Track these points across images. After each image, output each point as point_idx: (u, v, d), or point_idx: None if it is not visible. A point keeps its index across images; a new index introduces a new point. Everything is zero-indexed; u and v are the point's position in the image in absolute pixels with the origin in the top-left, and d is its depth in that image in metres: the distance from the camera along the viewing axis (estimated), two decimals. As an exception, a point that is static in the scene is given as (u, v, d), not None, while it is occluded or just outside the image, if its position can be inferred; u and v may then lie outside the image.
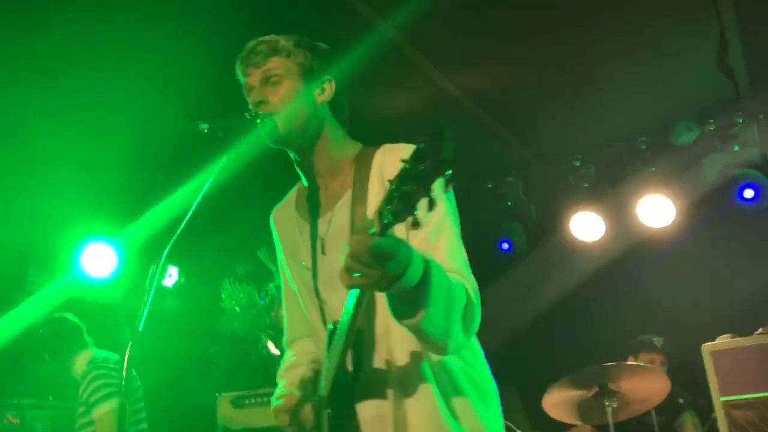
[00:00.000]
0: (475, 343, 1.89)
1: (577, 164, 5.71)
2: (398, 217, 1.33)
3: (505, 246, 5.95)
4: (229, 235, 5.40)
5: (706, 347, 3.48)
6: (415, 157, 1.27)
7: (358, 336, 1.77)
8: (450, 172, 1.26)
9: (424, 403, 1.77)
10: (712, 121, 5.21)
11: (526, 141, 5.68)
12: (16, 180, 4.59)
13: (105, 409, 3.32)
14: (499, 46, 4.42)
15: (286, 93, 1.93)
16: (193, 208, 1.89)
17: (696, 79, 4.92)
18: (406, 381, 1.79)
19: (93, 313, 4.15)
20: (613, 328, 5.25)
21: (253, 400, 4.49)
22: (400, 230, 1.44)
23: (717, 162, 5.23)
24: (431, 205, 1.28)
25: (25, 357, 3.79)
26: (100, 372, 3.43)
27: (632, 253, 5.48)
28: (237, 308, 5.33)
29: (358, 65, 2.19)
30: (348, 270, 1.46)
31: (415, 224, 1.31)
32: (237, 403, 4.49)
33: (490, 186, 5.98)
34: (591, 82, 4.88)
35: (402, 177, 1.30)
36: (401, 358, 1.80)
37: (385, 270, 1.44)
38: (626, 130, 5.43)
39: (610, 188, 5.65)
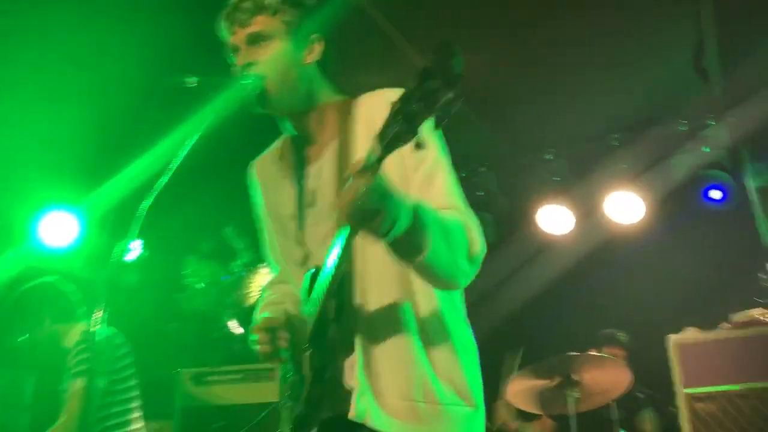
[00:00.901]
0: (459, 301, 1.88)
1: (550, 158, 5.73)
2: (401, 139, 1.29)
3: (475, 235, 5.96)
4: (195, 211, 5.29)
5: (672, 339, 3.52)
6: (424, 75, 1.23)
7: (341, 281, 1.73)
8: (459, 88, 1.23)
9: (396, 350, 1.75)
10: (684, 121, 5.27)
11: (500, 133, 5.67)
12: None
13: (80, 384, 3.20)
14: (478, 36, 4.40)
15: (274, 55, 1.87)
16: (170, 174, 1.79)
17: (670, 78, 4.96)
18: (379, 326, 1.77)
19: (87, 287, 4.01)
20: (578, 321, 5.30)
21: (213, 378, 4.42)
22: (391, 163, 1.41)
23: (686, 161, 5.30)
24: (437, 124, 1.25)
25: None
26: (86, 346, 3.30)
27: (600, 247, 5.53)
28: (200, 285, 5.24)
29: (331, 35, 2.12)
30: (345, 216, 1.45)
31: (418, 145, 1.28)
32: (197, 380, 4.42)
33: (463, 175, 5.97)
34: (567, 78, 4.90)
35: (408, 96, 1.25)
36: (376, 302, 1.78)
37: (386, 210, 1.42)
38: (599, 126, 5.47)
39: (580, 183, 5.68)
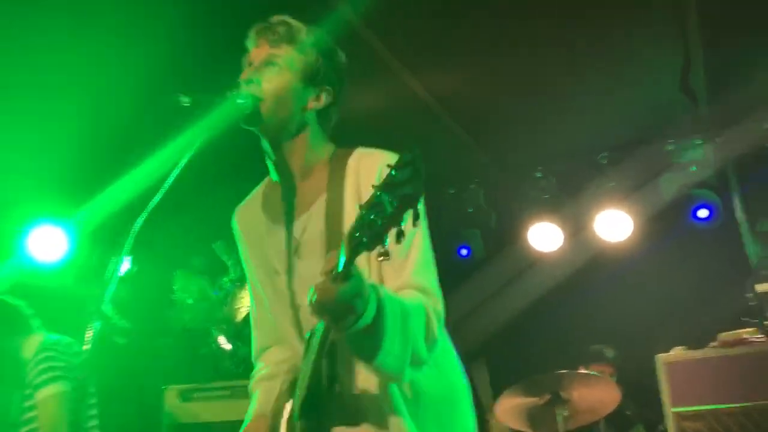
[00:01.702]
0: (446, 343, 1.86)
1: (539, 175, 5.77)
2: (368, 246, 1.32)
3: (464, 252, 5.98)
4: (184, 226, 5.28)
5: (660, 358, 3.53)
6: (385, 186, 1.27)
7: (333, 348, 1.71)
8: (420, 205, 1.27)
9: (393, 423, 1.72)
10: (671, 141, 5.33)
11: (489, 149, 5.71)
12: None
13: (48, 392, 3.19)
14: (468, 54, 4.43)
15: (279, 85, 1.86)
16: (163, 190, 1.77)
17: (657, 97, 5.02)
18: (371, 400, 1.75)
19: (41, 299, 3.99)
20: (567, 338, 5.31)
21: (202, 394, 4.39)
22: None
23: (674, 180, 5.35)
24: (399, 236, 1.28)
25: None
26: (48, 354, 3.30)
27: (589, 265, 5.56)
28: (189, 300, 5.22)
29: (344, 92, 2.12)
30: (316, 314, 1.49)
31: (384, 255, 1.31)
32: (185, 396, 4.39)
33: (452, 191, 6.00)
34: (556, 96, 4.94)
35: (372, 205, 1.29)
36: (366, 374, 1.75)
37: (354, 311, 1.47)
38: (587, 145, 5.51)
39: (569, 200, 5.72)
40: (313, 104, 1.91)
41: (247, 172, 2.17)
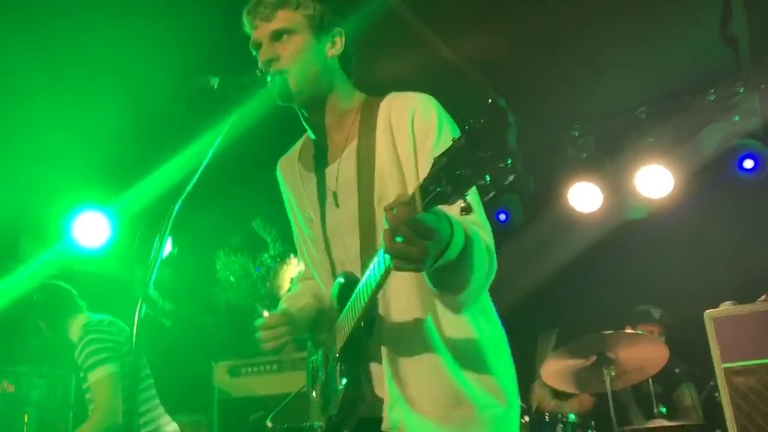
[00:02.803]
0: (485, 296, 1.86)
1: (576, 135, 5.65)
2: (447, 199, 1.23)
3: (503, 217, 5.93)
4: (223, 205, 5.33)
5: (708, 314, 3.46)
6: (471, 139, 1.17)
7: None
8: (510, 162, 1.16)
9: (423, 359, 1.74)
10: (712, 90, 5.16)
11: (525, 111, 5.61)
12: (7, 146, 4.51)
13: (99, 374, 3.27)
14: (499, 16, 4.35)
15: (296, 49, 1.87)
16: (200, 172, 1.79)
17: (697, 48, 4.86)
18: (403, 336, 1.77)
19: (85, 283, 4.09)
20: (611, 299, 5.24)
21: (249, 369, 4.48)
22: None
23: (717, 132, 5.19)
24: (486, 191, 1.19)
25: (19, 325, 3.72)
26: (93, 336, 3.37)
27: (630, 223, 5.46)
28: (232, 278, 5.29)
29: (356, 28, 2.11)
30: (388, 248, 1.37)
31: (466, 210, 1.23)
32: (233, 372, 4.48)
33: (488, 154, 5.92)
34: (591, 53, 4.82)
35: (454, 158, 1.19)
36: (398, 313, 1.78)
37: (426, 247, 1.36)
38: (626, 101, 5.38)
39: (608, 159, 5.60)
40: (332, 51, 1.92)
41: (281, 149, 2.20)
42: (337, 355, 1.82)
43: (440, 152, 1.24)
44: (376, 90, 2.06)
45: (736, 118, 5.13)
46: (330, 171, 1.94)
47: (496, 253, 1.72)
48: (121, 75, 4.19)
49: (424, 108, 1.80)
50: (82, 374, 3.36)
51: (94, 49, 3.98)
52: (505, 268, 1.82)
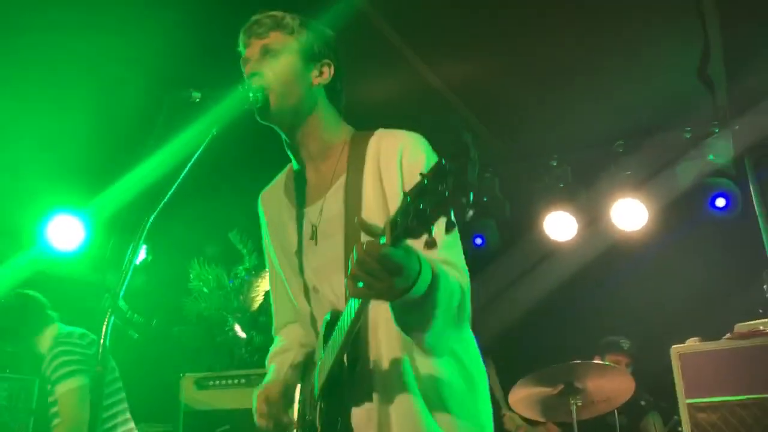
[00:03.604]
0: (467, 332, 1.85)
1: (554, 164, 5.73)
2: (413, 234, 1.26)
3: (479, 241, 5.98)
4: (201, 215, 5.31)
5: (675, 349, 3.52)
6: (436, 174, 1.20)
7: (356, 330, 1.72)
8: (472, 195, 1.20)
9: (405, 407, 1.73)
10: (688, 128, 5.27)
11: (504, 138, 5.68)
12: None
13: (67, 387, 3.21)
14: (483, 42, 4.41)
15: (281, 68, 1.89)
16: (179, 181, 1.80)
17: (675, 86, 4.96)
18: (390, 382, 1.75)
19: (59, 287, 4.05)
20: (581, 328, 5.29)
21: (217, 382, 4.44)
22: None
23: (691, 169, 5.29)
24: (449, 227, 1.21)
25: None
26: (63, 348, 3.32)
27: (604, 254, 5.53)
28: (205, 289, 5.25)
29: (344, 57, 2.13)
30: (354, 278, 1.39)
31: (431, 244, 1.24)
32: (201, 384, 4.43)
33: (466, 180, 5.97)
34: (571, 84, 4.90)
35: (420, 192, 1.23)
36: (387, 356, 1.76)
37: (393, 282, 1.38)
38: (604, 133, 5.46)
39: (584, 189, 5.68)
40: (318, 80, 1.93)
41: (261, 162, 2.20)
42: (318, 394, 1.80)
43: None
44: (358, 113, 2.08)
45: (711, 157, 5.24)
46: (315, 206, 1.92)
47: (473, 278, 1.73)
48: (92, 75, 4.14)
49: (412, 147, 1.82)
50: (49, 387, 3.30)
51: (62, 47, 3.92)
52: (479, 294, 1.83)
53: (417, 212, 1.23)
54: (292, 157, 2.01)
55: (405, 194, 1.27)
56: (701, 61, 4.62)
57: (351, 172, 1.85)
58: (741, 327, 3.59)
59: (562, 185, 5.69)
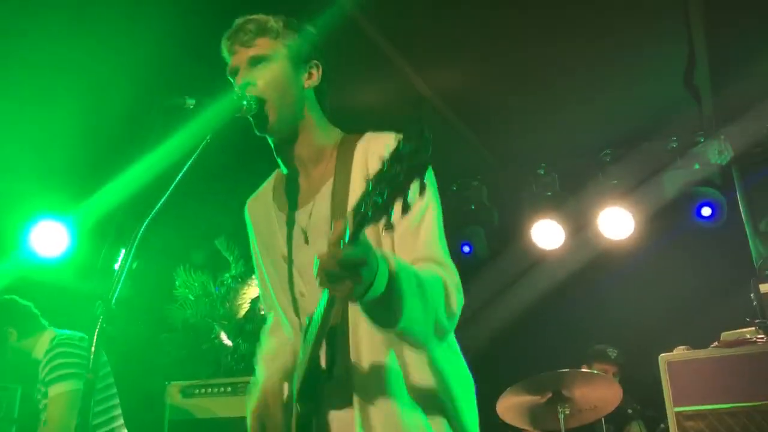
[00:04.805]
0: (451, 337, 1.84)
1: (542, 173, 5.75)
2: (372, 219, 1.28)
3: (466, 249, 5.98)
4: (187, 221, 5.27)
5: (663, 357, 3.52)
6: (393, 158, 1.23)
7: (333, 332, 1.70)
8: (430, 176, 1.22)
9: (389, 408, 1.71)
10: (674, 138, 5.31)
11: (493, 147, 5.69)
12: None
13: (59, 390, 3.17)
14: (472, 50, 4.42)
15: (273, 76, 1.87)
16: (171, 188, 1.77)
17: (661, 95, 5.00)
18: (370, 382, 1.73)
19: (43, 294, 3.99)
20: (569, 337, 5.30)
21: (202, 390, 4.40)
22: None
23: (677, 179, 5.33)
24: (405, 209, 1.24)
25: None
26: (60, 350, 3.28)
27: (591, 263, 5.55)
28: (191, 296, 5.21)
29: (332, 61, 2.12)
30: (321, 283, 1.41)
31: (388, 226, 1.27)
32: (186, 393, 4.39)
33: (454, 188, 5.99)
34: (560, 94, 4.92)
35: (378, 177, 1.25)
36: (368, 357, 1.75)
37: (360, 278, 1.39)
38: (591, 142, 5.50)
39: (572, 198, 5.70)
40: (308, 83, 1.92)
41: (248, 168, 2.18)
42: (294, 396, 1.77)
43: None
44: (345, 118, 2.06)
45: (697, 166, 5.27)
46: (304, 210, 1.91)
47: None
48: (78, 79, 4.10)
49: None
50: (42, 388, 3.26)
51: (48, 51, 3.89)
52: (466, 302, 1.82)
53: (375, 197, 1.25)
54: (280, 162, 1.99)
55: (367, 181, 1.29)
56: (687, 70, 4.66)
57: (339, 174, 1.84)
58: (728, 335, 3.61)
59: (549, 194, 5.71)
